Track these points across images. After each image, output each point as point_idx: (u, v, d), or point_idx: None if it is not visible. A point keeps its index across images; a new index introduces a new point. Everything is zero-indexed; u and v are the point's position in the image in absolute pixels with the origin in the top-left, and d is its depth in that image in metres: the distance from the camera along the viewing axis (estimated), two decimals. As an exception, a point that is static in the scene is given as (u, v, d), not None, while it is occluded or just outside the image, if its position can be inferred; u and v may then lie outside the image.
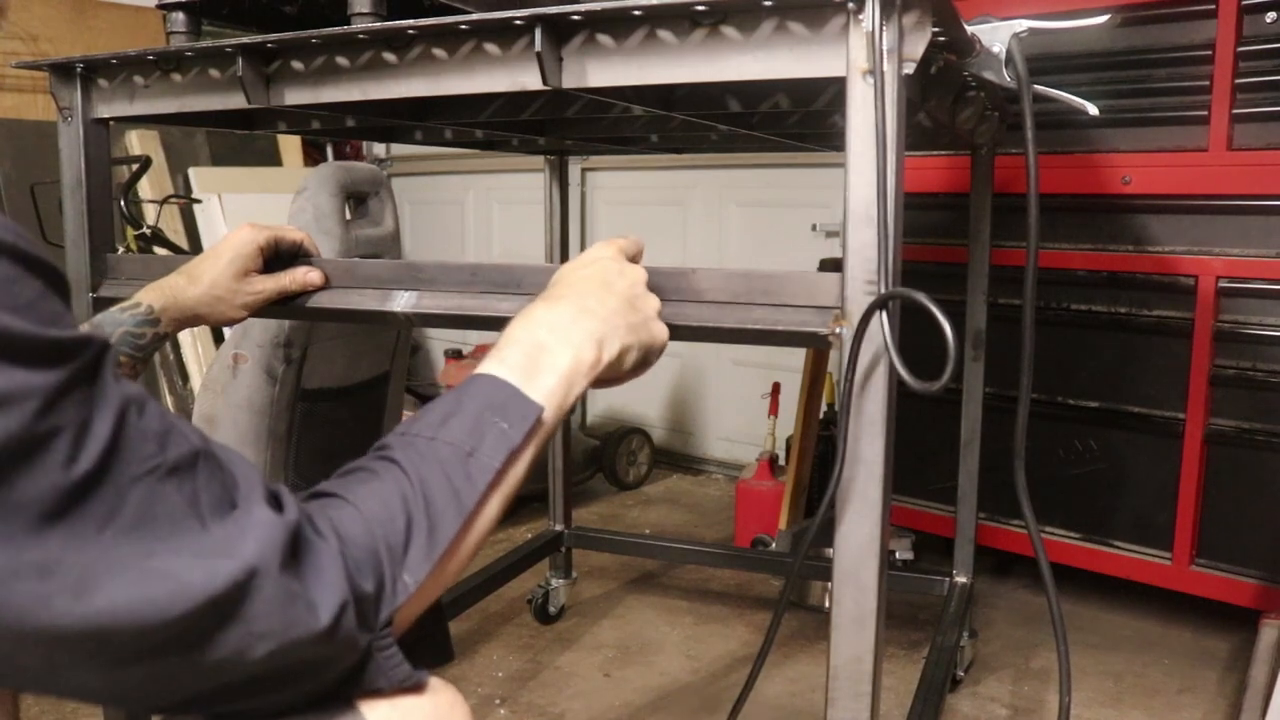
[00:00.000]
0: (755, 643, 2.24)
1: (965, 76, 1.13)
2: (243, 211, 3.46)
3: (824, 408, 2.76)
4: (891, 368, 0.85)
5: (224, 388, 2.03)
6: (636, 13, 0.91)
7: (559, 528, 2.36)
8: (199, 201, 3.47)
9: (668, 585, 2.61)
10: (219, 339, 3.29)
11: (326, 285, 1.16)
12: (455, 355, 3.43)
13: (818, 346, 0.96)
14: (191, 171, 3.60)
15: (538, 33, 0.94)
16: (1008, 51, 1.03)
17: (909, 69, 0.85)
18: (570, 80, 0.97)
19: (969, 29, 1.01)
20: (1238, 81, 2.02)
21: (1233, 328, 2.08)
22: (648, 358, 0.90)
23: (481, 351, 3.14)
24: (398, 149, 4.42)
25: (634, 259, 0.96)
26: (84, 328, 1.08)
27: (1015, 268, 2.13)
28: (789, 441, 2.81)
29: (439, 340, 4.31)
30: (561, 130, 1.78)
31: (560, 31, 0.96)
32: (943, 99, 1.24)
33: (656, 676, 2.10)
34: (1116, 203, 2.21)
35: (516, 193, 4.09)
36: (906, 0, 0.83)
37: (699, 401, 3.70)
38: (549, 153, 2.20)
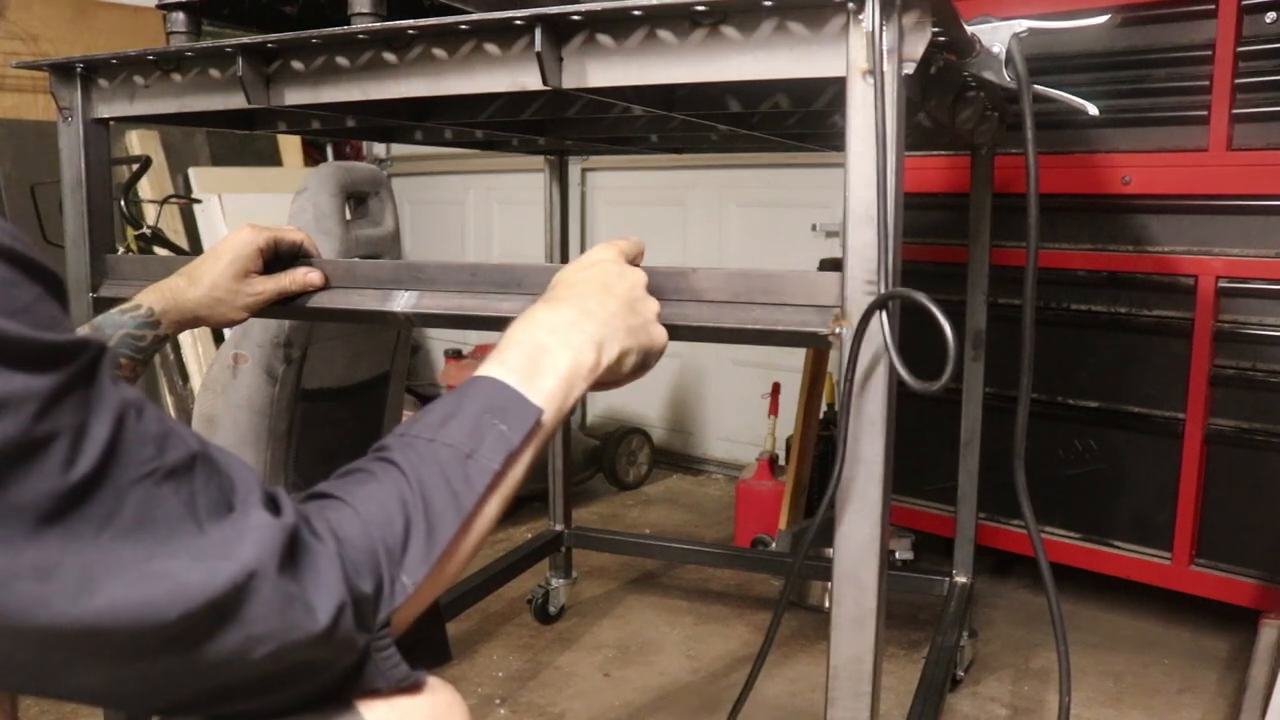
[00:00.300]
0: (755, 643, 2.24)
1: (965, 76, 1.13)
2: (243, 211, 3.46)
3: (824, 408, 2.76)
4: (891, 368, 0.85)
5: (224, 388, 2.03)
6: (636, 13, 0.91)
7: (559, 528, 2.36)
8: (199, 201, 3.47)
9: (668, 585, 2.61)
10: (219, 339, 3.29)
11: (326, 286, 1.16)
12: (455, 355, 3.43)
13: (818, 346, 0.96)
14: (191, 171, 3.60)
15: (538, 33, 0.94)
16: (1008, 51, 1.03)
17: (909, 69, 0.85)
18: (570, 80, 0.97)
19: (969, 29, 1.01)
20: (1238, 81, 2.02)
21: (1233, 328, 2.08)
22: (647, 361, 0.90)
23: (481, 352, 3.15)
24: (398, 149, 4.42)
25: (634, 261, 0.96)
26: (84, 329, 1.09)
27: (1015, 268, 2.12)
28: (789, 441, 2.81)
29: (439, 340, 4.31)
30: (561, 130, 1.78)
31: (560, 31, 0.96)
32: (943, 99, 1.24)
33: (656, 676, 2.10)
34: (1116, 203, 2.21)
35: (516, 193, 4.09)
36: (906, 0, 0.83)
37: (699, 401, 3.70)
38: (549, 153, 2.20)
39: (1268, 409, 2.06)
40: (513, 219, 4.20)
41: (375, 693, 0.60)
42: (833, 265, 0.89)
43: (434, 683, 0.64)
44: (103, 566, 0.47)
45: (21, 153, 3.23)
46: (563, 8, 0.93)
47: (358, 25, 1.04)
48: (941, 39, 0.92)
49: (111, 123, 1.29)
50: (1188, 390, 2.14)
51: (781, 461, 2.88)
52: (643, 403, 3.79)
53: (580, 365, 0.79)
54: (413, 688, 0.62)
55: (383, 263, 1.17)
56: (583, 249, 1.02)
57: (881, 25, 0.82)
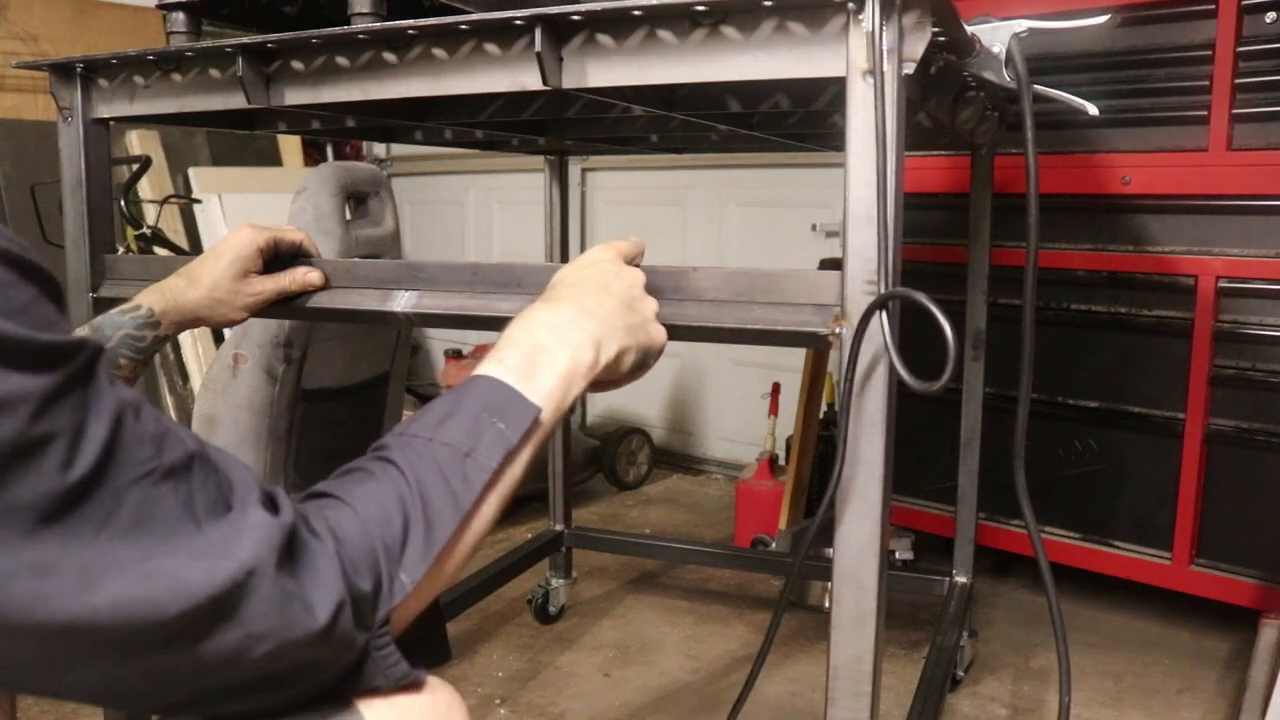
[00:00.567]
0: (755, 643, 2.24)
1: (965, 76, 1.13)
2: (243, 211, 3.46)
3: (824, 408, 2.75)
4: (891, 368, 0.85)
5: (224, 388, 2.03)
6: (636, 13, 0.91)
7: (559, 528, 2.36)
8: (199, 201, 3.47)
9: (668, 585, 2.61)
10: (219, 339, 3.29)
11: (326, 285, 1.16)
12: (455, 355, 3.43)
13: (817, 346, 0.97)
14: (191, 171, 3.60)
15: (538, 33, 0.94)
16: (1008, 51, 1.03)
17: (909, 69, 0.85)
18: (570, 80, 0.97)
19: (969, 29, 1.01)
20: (1238, 81, 2.02)
21: (1233, 328, 2.08)
22: (646, 360, 0.90)
23: (481, 351, 3.14)
24: (398, 149, 4.42)
25: (634, 261, 0.96)
26: (84, 330, 1.09)
27: (1015, 268, 2.12)
28: (789, 441, 2.81)
29: (439, 340, 4.31)
30: (561, 130, 1.78)
31: (560, 31, 0.96)
32: (943, 99, 1.24)
33: (656, 676, 2.10)
34: (1116, 203, 2.21)
35: (516, 193, 4.09)
36: (906, 0, 0.83)
37: (699, 401, 3.70)
38: (549, 153, 2.20)
39: (1268, 409, 2.06)
40: (513, 219, 4.20)
41: (375, 691, 0.61)
42: (833, 265, 0.89)
43: (433, 682, 0.64)
44: (101, 566, 0.47)
45: (21, 153, 3.23)
46: (563, 8, 0.93)
47: (358, 25, 1.04)
48: (941, 39, 0.92)
49: (111, 123, 1.29)
50: (1188, 390, 2.14)
51: (781, 461, 2.88)
52: (643, 403, 3.79)
53: (578, 364, 0.79)
54: (412, 686, 0.62)
55: (383, 262, 1.17)
56: (583, 249, 1.02)
57: (881, 25, 0.82)
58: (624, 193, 3.81)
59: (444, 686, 0.65)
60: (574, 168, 3.71)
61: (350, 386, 2.24)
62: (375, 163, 4.30)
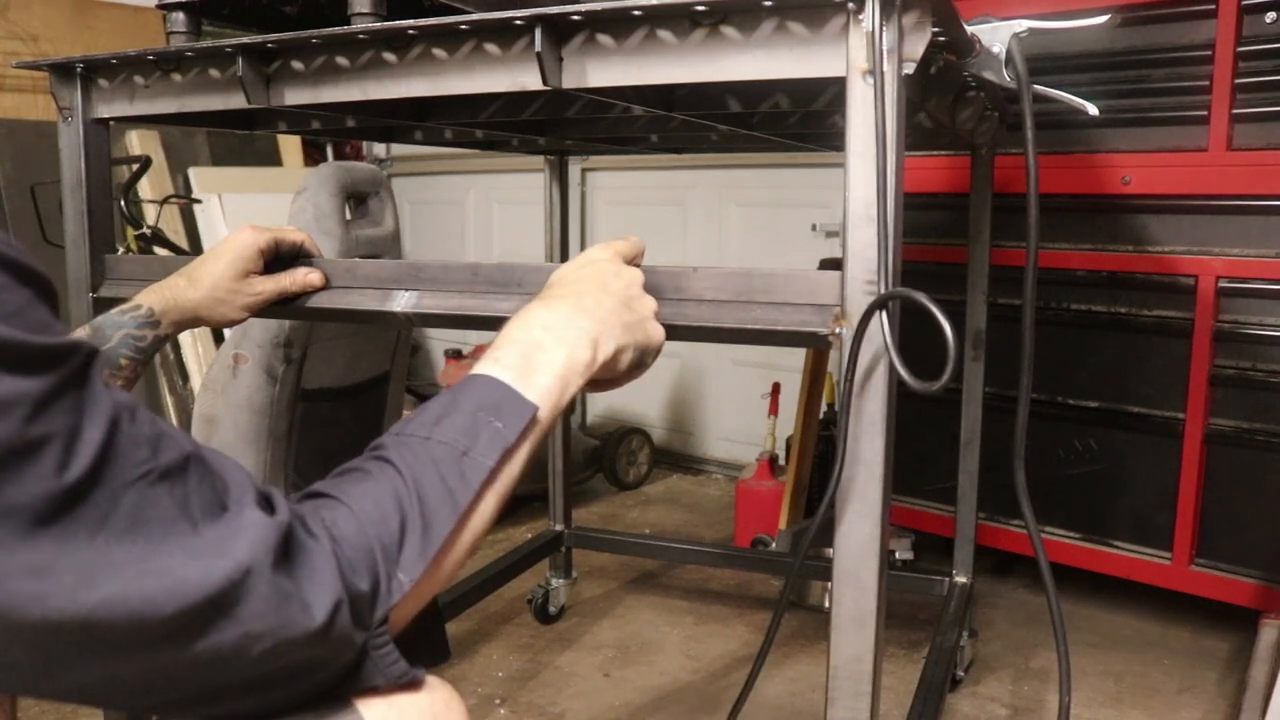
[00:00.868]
0: (755, 643, 2.24)
1: (965, 76, 1.13)
2: (243, 211, 3.46)
3: (824, 408, 2.75)
4: (891, 368, 0.85)
5: (224, 388, 2.03)
6: (636, 13, 0.91)
7: (559, 528, 2.36)
8: (199, 201, 3.47)
9: (668, 585, 2.61)
10: (219, 339, 3.29)
11: (327, 286, 1.16)
12: (455, 355, 3.43)
13: (817, 346, 0.97)
14: (191, 171, 3.60)
15: (538, 33, 0.94)
16: (1008, 51, 1.03)
17: (909, 69, 0.85)
18: (570, 80, 0.97)
19: (969, 29, 1.01)
20: (1238, 81, 2.02)
21: (1233, 328, 2.08)
22: (644, 358, 0.90)
23: (481, 351, 3.14)
24: (398, 149, 4.42)
25: (634, 260, 0.97)
26: (84, 330, 1.09)
27: (1015, 268, 2.12)
28: (789, 441, 2.81)
29: (439, 340, 4.31)
30: (561, 130, 1.78)
31: (560, 31, 0.96)
32: (943, 99, 1.24)
33: (656, 676, 2.10)
34: (1116, 203, 2.20)
35: (516, 193, 4.09)
36: (906, 0, 0.83)
37: (699, 401, 3.70)
38: (549, 153, 2.20)
39: (1268, 409, 2.06)
40: (513, 219, 4.20)
41: (374, 690, 0.61)
42: (833, 265, 0.89)
43: (432, 681, 0.64)
44: (98, 567, 0.47)
45: (21, 153, 3.23)
46: (563, 8, 0.93)
47: (358, 25, 1.04)
48: (941, 39, 0.92)
49: (111, 123, 1.29)
50: (1188, 390, 2.14)
51: (781, 461, 2.88)
52: (643, 403, 3.79)
53: (576, 362, 0.79)
54: (411, 685, 0.62)
55: (383, 262, 1.17)
56: (583, 249, 1.01)
57: (881, 25, 0.82)
58: (624, 193, 3.81)
59: (443, 686, 0.65)
60: (574, 168, 3.71)
61: (350, 386, 2.24)
62: (375, 163, 4.30)
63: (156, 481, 0.50)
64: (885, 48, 0.83)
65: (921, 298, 0.79)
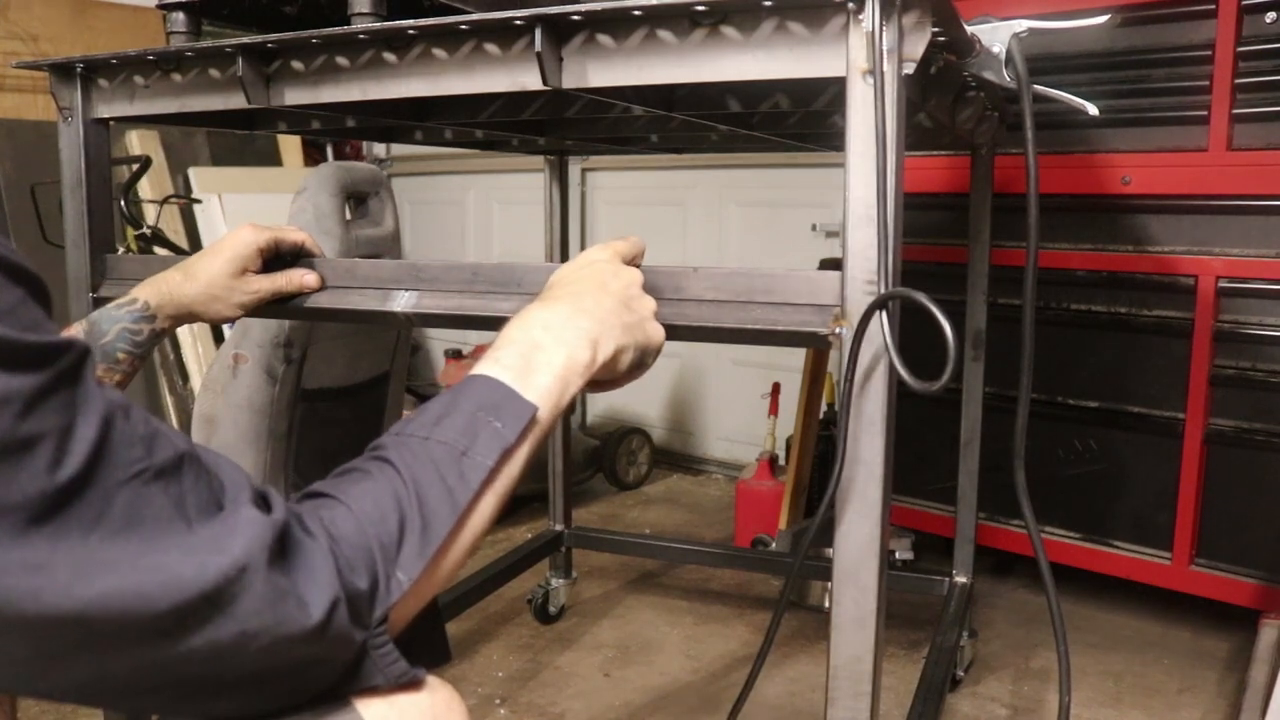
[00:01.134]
0: (755, 643, 2.24)
1: (965, 76, 1.13)
2: (243, 211, 3.46)
3: (824, 408, 2.76)
4: (891, 368, 0.85)
5: (224, 388, 2.03)
6: (636, 13, 0.91)
7: (559, 528, 2.36)
8: (199, 201, 3.47)
9: (668, 585, 2.61)
10: (219, 339, 3.29)
11: (323, 287, 1.16)
12: (455, 355, 3.43)
13: (817, 346, 0.97)
14: (191, 171, 3.60)
15: (538, 33, 0.94)
16: (1008, 51, 1.03)
17: (909, 69, 0.85)
18: (570, 80, 0.97)
19: (969, 29, 1.01)
20: (1238, 81, 2.02)
21: (1233, 328, 2.08)
22: (644, 359, 0.90)
23: (481, 351, 3.14)
24: (398, 149, 4.42)
25: (634, 260, 0.97)
26: (81, 324, 1.09)
27: (1015, 268, 2.12)
28: (789, 441, 2.81)
29: (439, 340, 4.31)
30: (561, 130, 1.78)
31: (560, 31, 0.96)
32: (943, 99, 1.24)
33: (656, 676, 2.10)
34: (1116, 203, 2.20)
35: (516, 193, 4.09)
36: (906, 0, 0.83)
37: (699, 401, 3.70)
38: (549, 153, 2.20)
39: (1268, 409, 2.06)
40: (513, 219, 4.20)
41: (374, 690, 0.61)
42: (833, 265, 0.89)
43: (433, 681, 0.64)
44: (93, 564, 0.47)
45: (21, 153, 3.23)
46: (563, 8, 0.93)
47: (358, 25, 1.04)
48: (941, 39, 0.92)
49: (111, 123, 1.29)
50: (1188, 390, 2.14)
51: (781, 461, 2.88)
52: (643, 403, 3.79)
53: (575, 361, 0.79)
54: (411, 685, 0.62)
55: (383, 262, 1.17)
56: (583, 249, 1.01)
57: (881, 25, 0.82)
58: (624, 193, 3.81)
59: (443, 686, 0.65)
60: (574, 168, 3.71)
61: (350, 386, 2.24)
62: (375, 163, 4.30)
63: (151, 480, 0.50)
64: (885, 48, 0.83)
65: (921, 298, 0.79)
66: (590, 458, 3.36)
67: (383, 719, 0.60)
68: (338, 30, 1.04)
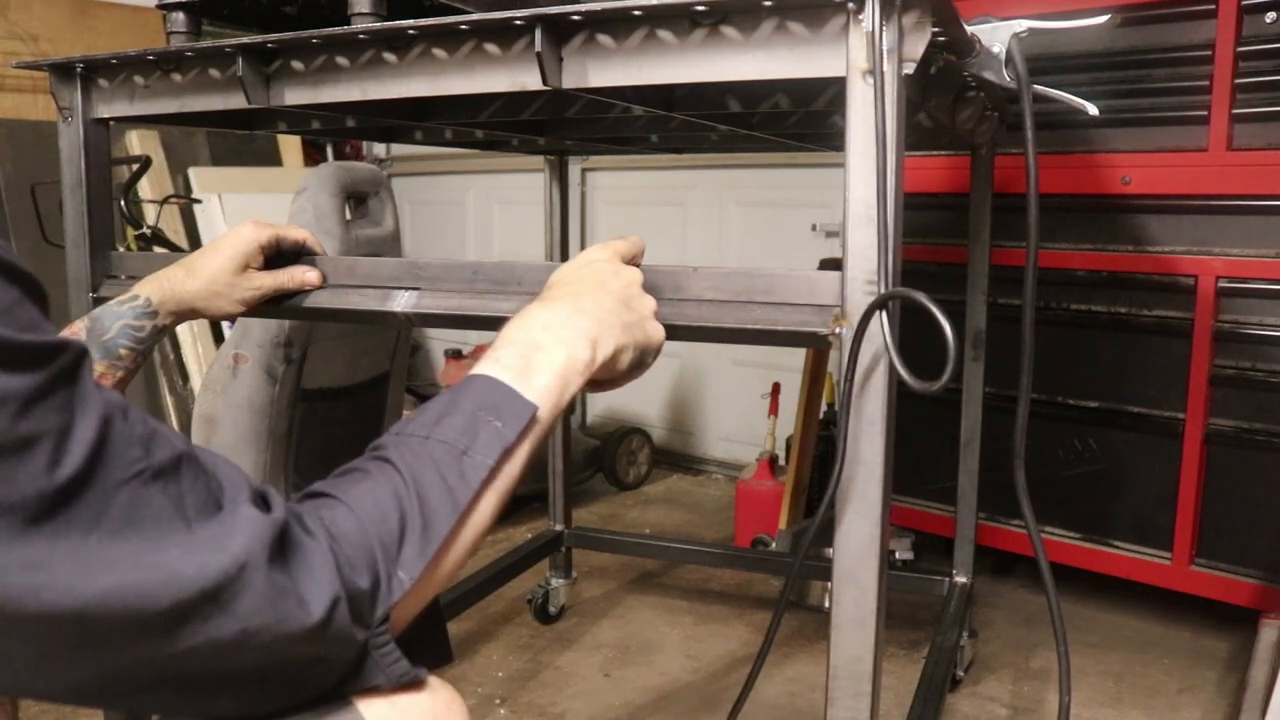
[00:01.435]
0: (755, 643, 2.24)
1: (965, 76, 1.13)
2: (243, 211, 3.46)
3: (824, 408, 2.76)
4: (891, 368, 0.85)
5: (224, 388, 2.03)
6: (636, 13, 0.91)
7: (559, 528, 2.36)
8: (199, 201, 3.47)
9: (668, 585, 2.61)
10: (219, 339, 3.29)
11: (324, 285, 1.16)
12: (455, 355, 3.43)
13: (817, 346, 0.97)
14: (191, 171, 3.60)
15: (538, 33, 0.94)
16: (1008, 51, 1.03)
17: (909, 69, 0.85)
18: (570, 80, 0.97)
19: (969, 29, 1.01)
20: (1238, 81, 2.02)
21: (1233, 328, 2.08)
22: (644, 358, 0.90)
23: (481, 351, 3.14)
24: (398, 149, 4.42)
25: (634, 260, 0.97)
26: (83, 321, 1.09)
27: (1015, 268, 2.12)
28: (789, 441, 2.81)
29: (439, 340, 4.31)
30: (561, 130, 1.78)
31: (560, 31, 0.96)
32: (943, 99, 1.24)
33: (656, 676, 2.10)
34: (1116, 203, 2.20)
35: (516, 193, 4.09)
36: (906, 0, 0.83)
37: (699, 401, 3.70)
38: (549, 153, 2.20)
39: (1268, 409, 2.06)
40: (513, 219, 4.20)
41: (375, 690, 0.61)
42: (833, 265, 0.89)
43: (434, 682, 0.64)
44: (93, 563, 0.47)
45: (21, 153, 3.23)
46: (563, 8, 0.93)
47: (358, 25, 1.04)
48: (941, 39, 0.92)
49: (111, 123, 1.29)
50: (1188, 390, 2.14)
51: (781, 461, 2.88)
52: (643, 403, 3.79)
53: (575, 361, 0.79)
54: (413, 685, 0.62)
55: (383, 261, 1.17)
56: (583, 249, 1.01)
57: (881, 25, 0.82)
58: (624, 193, 3.81)
59: (444, 686, 0.65)
60: (574, 168, 3.71)
61: (350, 386, 2.24)
62: (375, 163, 4.30)
63: (150, 480, 0.50)
64: (885, 48, 0.83)
65: (921, 298, 0.79)
66: (590, 458, 3.36)
67: (384, 718, 0.60)
68: (338, 30, 1.04)
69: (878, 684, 0.92)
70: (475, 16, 0.97)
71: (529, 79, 0.97)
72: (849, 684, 0.91)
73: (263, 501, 0.56)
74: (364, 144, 4.32)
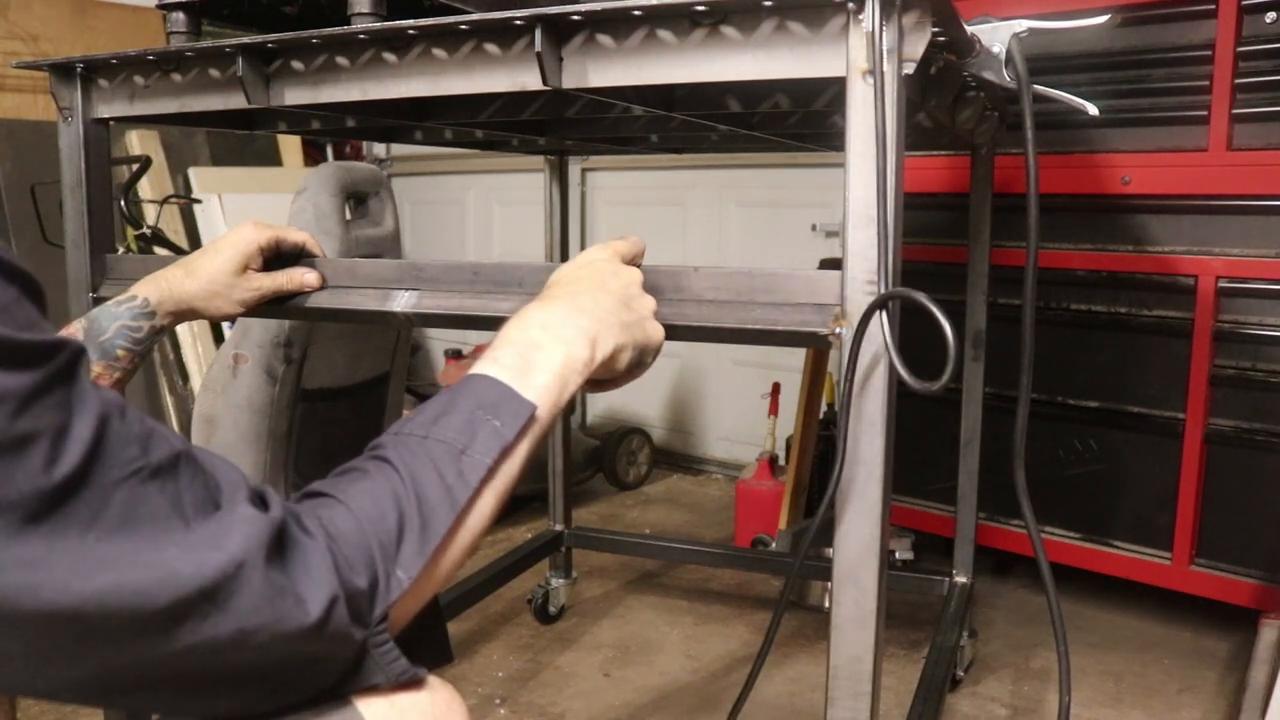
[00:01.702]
0: (755, 643, 2.24)
1: (965, 76, 1.13)
2: (243, 211, 3.46)
3: (824, 408, 2.76)
4: (891, 368, 0.85)
5: (224, 388, 2.03)
6: (636, 13, 0.91)
7: (559, 528, 2.36)
8: (199, 201, 3.47)
9: (668, 585, 2.61)
10: (219, 339, 3.29)
11: (324, 286, 1.16)
12: (455, 355, 3.43)
13: (817, 346, 0.97)
14: (191, 171, 3.60)
15: (538, 33, 0.94)
16: (1008, 51, 1.03)
17: (909, 69, 0.85)
18: (570, 80, 0.97)
19: (969, 29, 1.01)
20: (1238, 81, 2.02)
21: (1233, 328, 2.08)
22: (643, 358, 0.90)
23: (481, 351, 3.14)
24: (398, 149, 4.42)
25: (634, 260, 0.97)
26: (80, 322, 1.09)
27: (1015, 268, 2.12)
28: (789, 441, 2.81)
29: (439, 340, 4.31)
30: (561, 130, 1.78)
31: (560, 31, 0.96)
32: (943, 99, 1.24)
33: (656, 676, 2.10)
34: (1116, 203, 2.20)
35: (516, 193, 4.09)
36: (906, 0, 0.83)
37: (699, 401, 3.70)
38: (549, 153, 2.20)
39: (1268, 409, 2.06)
40: (513, 219, 4.20)
41: (375, 689, 0.61)
42: (833, 265, 0.89)
43: (433, 681, 0.64)
44: (91, 562, 0.47)
45: (21, 153, 3.23)
46: (563, 8, 0.93)
47: (358, 25, 1.04)
48: (941, 39, 0.92)
49: (111, 123, 1.29)
50: (1188, 390, 2.14)
51: (781, 461, 2.88)
52: (643, 403, 3.79)
53: (574, 360, 0.79)
54: (412, 684, 0.62)
55: (383, 262, 1.17)
56: (583, 249, 1.02)
57: (881, 25, 0.82)
58: (624, 193, 3.81)
59: (444, 686, 0.65)
60: (574, 168, 3.71)
61: (350, 386, 2.24)
62: (375, 163, 4.30)
63: (148, 479, 0.50)
64: (885, 48, 0.83)
65: (921, 298, 0.79)
66: (590, 458, 3.36)
67: (383, 718, 0.60)
68: (338, 30, 1.04)
69: (878, 684, 0.92)
70: (475, 16, 0.97)
71: (529, 79, 0.97)
72: (849, 684, 0.91)
73: (260, 501, 0.56)
74: (364, 144, 4.32)
